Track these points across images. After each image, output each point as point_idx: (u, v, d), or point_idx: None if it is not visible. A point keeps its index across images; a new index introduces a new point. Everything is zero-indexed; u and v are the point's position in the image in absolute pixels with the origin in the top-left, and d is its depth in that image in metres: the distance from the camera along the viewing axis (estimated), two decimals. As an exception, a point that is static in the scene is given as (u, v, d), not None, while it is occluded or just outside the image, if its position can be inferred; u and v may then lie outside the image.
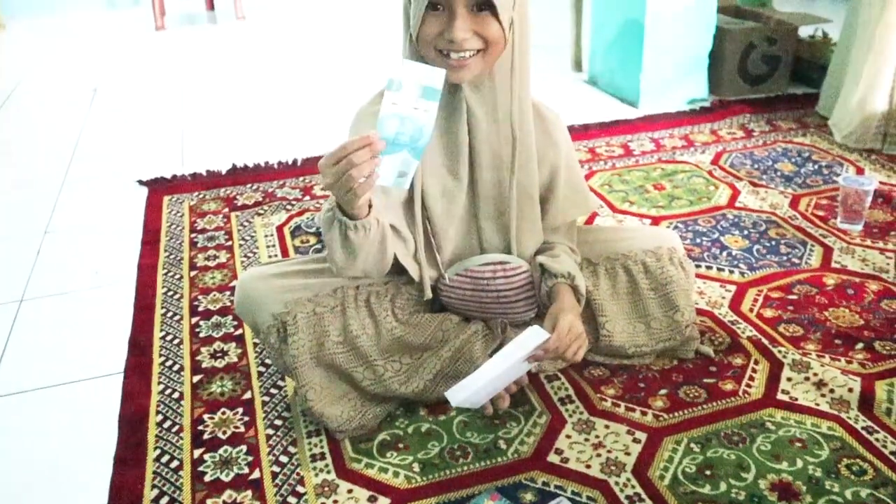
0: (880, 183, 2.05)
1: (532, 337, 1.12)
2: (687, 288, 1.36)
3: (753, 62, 2.78)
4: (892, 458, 1.16)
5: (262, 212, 2.03)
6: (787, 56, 2.81)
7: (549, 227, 1.31)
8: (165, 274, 1.75)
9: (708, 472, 1.14)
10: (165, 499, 1.13)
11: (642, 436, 1.21)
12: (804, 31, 2.94)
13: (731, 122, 2.55)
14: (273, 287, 1.24)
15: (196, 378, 1.39)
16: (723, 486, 1.12)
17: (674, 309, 1.33)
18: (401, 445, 1.21)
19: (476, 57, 1.10)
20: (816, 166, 2.20)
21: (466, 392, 1.10)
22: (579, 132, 2.47)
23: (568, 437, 1.22)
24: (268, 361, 1.41)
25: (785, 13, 2.99)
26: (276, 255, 1.80)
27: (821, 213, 1.92)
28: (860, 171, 2.15)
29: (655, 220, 1.91)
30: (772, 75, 2.82)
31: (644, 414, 1.26)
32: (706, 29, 2.70)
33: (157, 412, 1.31)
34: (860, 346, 1.42)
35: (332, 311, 1.23)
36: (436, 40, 1.08)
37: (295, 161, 2.33)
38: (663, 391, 1.31)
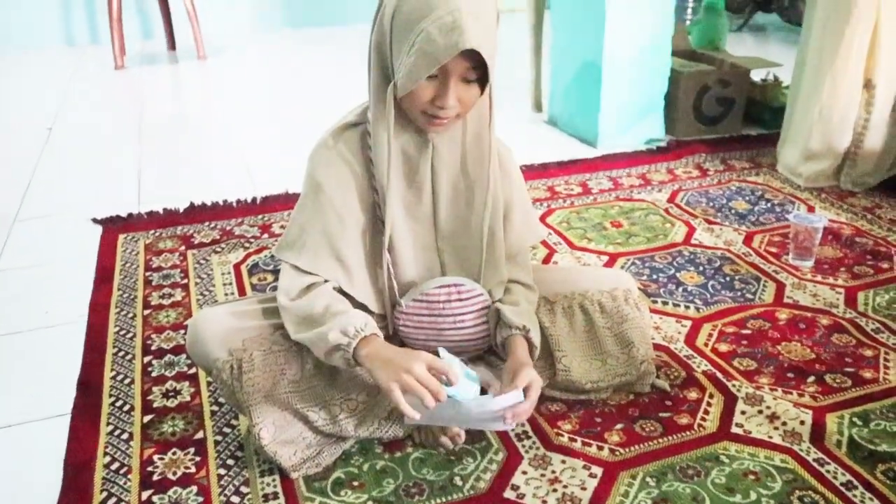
0: (830, 221, 2.10)
1: (510, 396, 1.12)
2: (642, 326, 1.37)
3: (708, 103, 2.85)
4: (842, 489, 1.17)
5: (219, 250, 2.01)
6: (740, 98, 2.89)
7: (507, 256, 1.32)
8: (118, 313, 1.72)
9: (663, 507, 1.14)
10: (111, 543, 1.10)
11: (598, 470, 1.21)
12: (756, 75, 3.03)
13: (686, 162, 2.60)
14: (229, 325, 1.22)
15: (147, 418, 1.36)
16: (678, 521, 1.12)
17: (629, 345, 1.34)
18: (355, 483, 1.19)
19: (453, 118, 1.14)
20: (769, 204, 2.25)
21: (428, 413, 1.09)
22: (539, 171, 2.50)
23: (524, 472, 1.21)
24: (221, 400, 1.38)
25: (737, 57, 3.08)
26: (233, 294, 1.78)
27: (773, 250, 1.96)
28: (811, 210, 2.21)
29: (613, 257, 1.94)
30: (726, 116, 2.89)
31: (600, 448, 1.26)
32: (661, 71, 2.76)
33: (105, 454, 1.28)
34: (811, 379, 1.44)
35: (290, 349, 1.22)
36: (425, 106, 1.12)
37: (254, 199, 2.32)
38: (619, 425, 1.31)
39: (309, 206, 1.22)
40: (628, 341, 1.34)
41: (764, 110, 2.96)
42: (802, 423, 1.32)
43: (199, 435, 1.31)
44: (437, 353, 1.16)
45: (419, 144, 1.20)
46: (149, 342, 1.59)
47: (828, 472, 1.21)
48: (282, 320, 1.23)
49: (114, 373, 1.50)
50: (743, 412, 1.35)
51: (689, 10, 4.75)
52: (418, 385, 1.05)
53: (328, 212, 1.20)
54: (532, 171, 2.49)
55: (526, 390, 1.15)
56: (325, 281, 1.21)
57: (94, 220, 2.21)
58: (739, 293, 1.75)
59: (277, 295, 1.22)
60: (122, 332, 1.64)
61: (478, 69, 1.09)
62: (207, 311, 1.27)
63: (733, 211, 2.21)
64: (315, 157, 1.23)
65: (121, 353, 1.56)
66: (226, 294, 1.78)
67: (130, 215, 2.24)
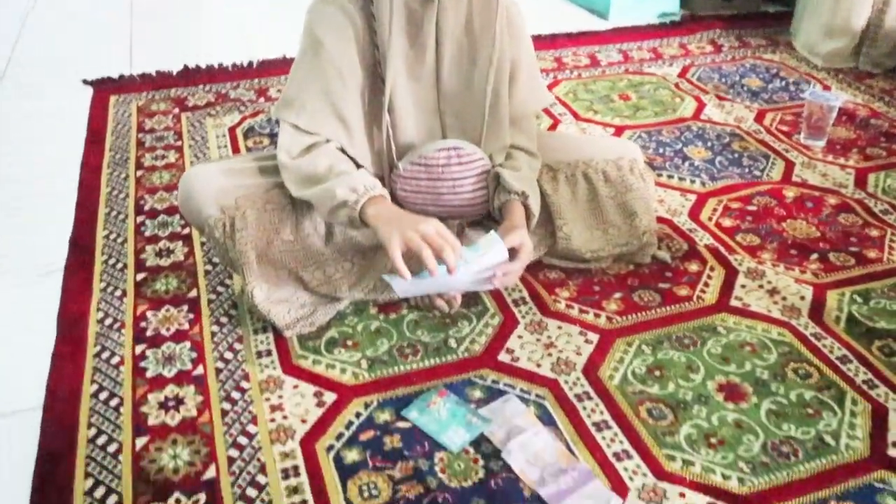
0: (846, 101, 2.02)
1: (494, 255, 1.09)
2: (646, 196, 1.33)
3: (726, -24, 2.71)
4: (837, 363, 1.17)
5: (213, 113, 1.95)
6: (760, -28, 2.74)
7: (511, 120, 1.26)
8: (110, 174, 1.68)
9: (657, 373, 1.14)
10: (105, 394, 1.10)
11: (594, 337, 1.20)
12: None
13: (701, 37, 2.49)
14: (222, 182, 1.19)
15: (140, 276, 1.35)
16: (671, 387, 1.12)
17: (632, 216, 1.31)
18: (349, 343, 1.19)
19: None
20: (784, 83, 2.17)
21: (410, 285, 1.07)
22: (546, 41, 2.40)
23: (519, 337, 1.20)
24: (215, 260, 1.37)
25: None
26: (227, 156, 1.74)
27: (785, 129, 1.90)
28: (826, 89, 2.13)
29: (619, 130, 1.88)
30: (744, -9, 2.76)
31: (597, 316, 1.25)
32: (680, -60, 2.61)
33: (98, 309, 1.27)
34: (815, 256, 1.42)
35: (284, 208, 1.19)
36: None
37: (251, 63, 2.23)
38: (618, 294, 1.30)
39: (308, 63, 1.16)
40: (631, 211, 1.31)
41: (785, -14, 2.82)
42: (802, 298, 1.30)
43: (193, 293, 1.30)
44: (443, 223, 1.14)
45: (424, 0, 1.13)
46: (142, 202, 1.56)
47: (824, 346, 1.20)
48: (277, 179, 1.20)
49: (106, 232, 1.47)
50: (743, 286, 1.33)
51: None
52: (423, 243, 1.02)
53: (328, 69, 1.14)
54: (540, 42, 2.38)
55: (516, 252, 1.12)
56: (327, 141, 1.17)
57: (85, 82, 2.13)
58: (747, 170, 1.71)
59: (277, 153, 1.18)
60: (115, 193, 1.60)
61: None
62: (200, 167, 1.23)
63: (746, 88, 2.13)
64: (315, 10, 1.16)
65: (113, 213, 1.53)
66: (220, 156, 1.73)
67: (122, 77, 2.16)
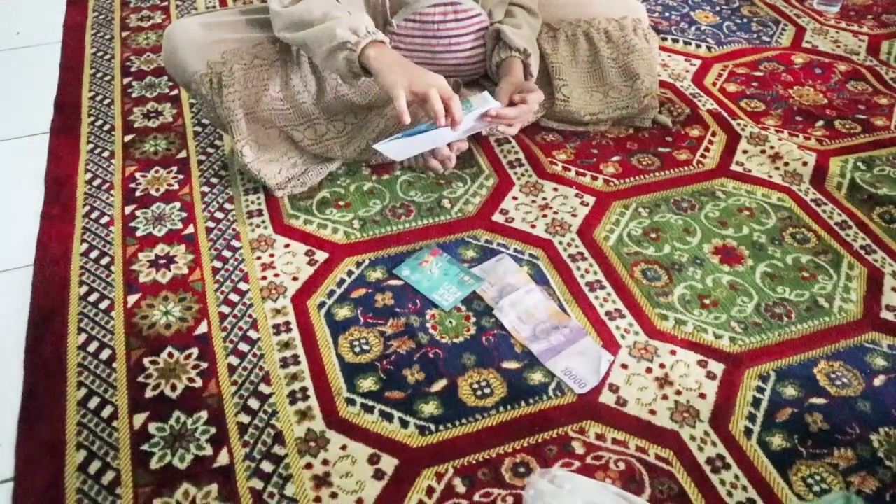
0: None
1: (483, 104, 1.04)
2: (649, 58, 1.28)
3: None
4: (836, 228, 1.15)
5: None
6: None
7: None
8: (94, 34, 1.61)
9: (653, 235, 1.13)
10: (95, 252, 1.09)
11: (590, 199, 1.19)
12: None
13: None
14: (208, 36, 1.13)
15: (128, 137, 1.31)
16: (666, 249, 1.11)
17: (634, 77, 1.26)
18: (341, 203, 1.17)
19: None
20: (799, -55, 2.05)
21: (402, 146, 1.04)
22: None
23: (514, 198, 1.18)
24: (205, 121, 1.33)
25: None
26: (214, 6, 1.66)
27: (798, -7, 1.82)
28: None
29: (624, -6, 1.79)
30: None
31: (594, 179, 1.23)
32: None
33: (87, 171, 1.25)
34: (820, 123, 1.38)
35: (273, 64, 1.14)
36: None
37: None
38: (616, 158, 1.27)
39: None
40: (633, 73, 1.26)
41: None
42: (805, 164, 1.27)
43: (182, 154, 1.27)
44: None
45: None
46: (128, 64, 1.51)
47: (824, 211, 1.18)
48: (265, 33, 1.14)
49: (92, 93, 1.43)
50: (745, 151, 1.30)
51: None
52: (434, 90, 0.97)
53: None
54: None
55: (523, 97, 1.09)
56: None
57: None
58: (755, 35, 1.64)
59: (270, 3, 1.11)
60: (100, 54, 1.55)
61: None
62: (184, 21, 1.17)
63: (760, -49, 2.02)
64: None
65: (99, 75, 1.48)
66: (206, 7, 1.66)
67: (104, -65, 2.05)
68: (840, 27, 1.69)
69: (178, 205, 1.17)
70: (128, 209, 1.17)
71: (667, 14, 1.71)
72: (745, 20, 1.70)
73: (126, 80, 1.46)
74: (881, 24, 1.70)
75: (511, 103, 1.09)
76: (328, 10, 1.06)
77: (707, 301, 1.03)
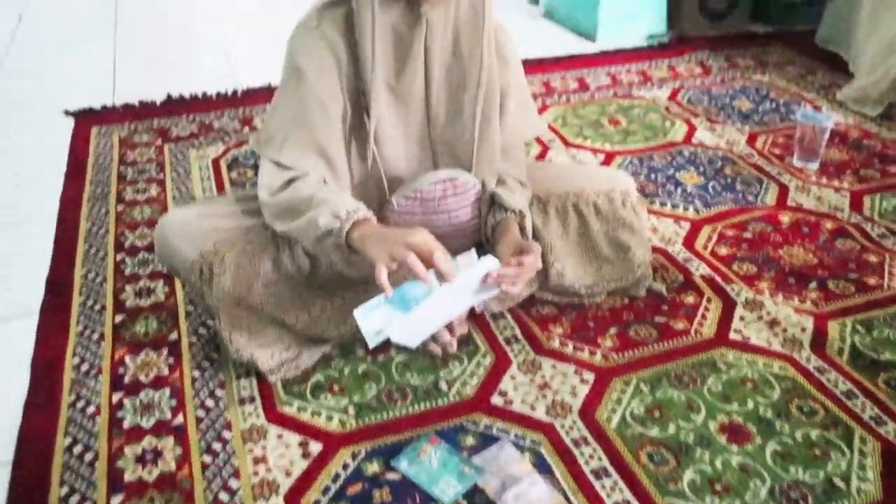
0: (837, 122, 2.00)
1: (482, 264, 1.03)
2: (639, 230, 1.30)
3: (714, -3, 2.70)
4: (842, 398, 1.13)
5: (197, 144, 1.90)
6: (747, -8, 2.73)
7: (501, 149, 1.22)
8: (91, 208, 1.63)
9: (657, 414, 1.10)
10: (79, 447, 1.05)
11: (590, 376, 1.16)
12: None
13: (689, 59, 2.48)
14: (199, 226, 1.14)
15: (119, 318, 1.30)
16: (671, 428, 1.07)
17: (626, 250, 1.27)
18: (336, 387, 1.14)
19: None
20: (774, 104, 2.14)
21: (406, 326, 1.01)
22: (534, 66, 2.37)
23: (513, 377, 1.16)
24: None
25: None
26: (210, 190, 1.69)
27: (777, 151, 1.87)
28: (817, 109, 2.10)
29: (610, 155, 1.85)
30: (731, 12, 2.75)
31: (592, 353, 1.21)
32: (666, -39, 2.60)
33: (75, 354, 1.22)
34: (814, 284, 1.38)
35: (265, 248, 1.14)
36: None
37: (235, 91, 2.20)
38: (613, 330, 1.26)
39: (290, 95, 1.11)
40: (625, 246, 1.27)
41: (771, 6, 2.80)
42: (803, 329, 1.27)
43: (174, 336, 1.25)
44: None
45: (411, 22, 1.09)
46: (122, 239, 1.52)
47: (828, 380, 1.16)
48: (257, 220, 1.16)
49: (85, 270, 1.43)
50: (742, 318, 1.29)
51: None
52: (408, 251, 0.96)
53: (310, 102, 1.10)
54: (528, 66, 2.31)
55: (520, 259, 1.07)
56: (309, 174, 1.12)
57: (67, 113, 2.09)
58: (741, 195, 1.68)
59: (258, 191, 1.13)
60: (95, 229, 1.56)
61: None
62: (176, 212, 1.19)
63: (736, 110, 2.10)
64: (296, 39, 1.11)
65: (92, 251, 1.48)
66: (203, 190, 1.69)
67: (105, 107, 2.12)
68: (822, 183, 1.73)
69: (167, 391, 1.14)
70: (115, 397, 1.13)
71: (652, 176, 1.75)
72: (729, 180, 1.74)
73: (119, 256, 1.46)
74: (860, 180, 1.75)
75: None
76: (314, 192, 1.07)
77: (718, 486, 0.99)
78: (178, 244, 1.13)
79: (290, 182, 1.10)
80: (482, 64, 1.11)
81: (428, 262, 0.97)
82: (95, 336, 1.26)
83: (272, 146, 1.11)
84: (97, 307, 1.33)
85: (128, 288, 1.37)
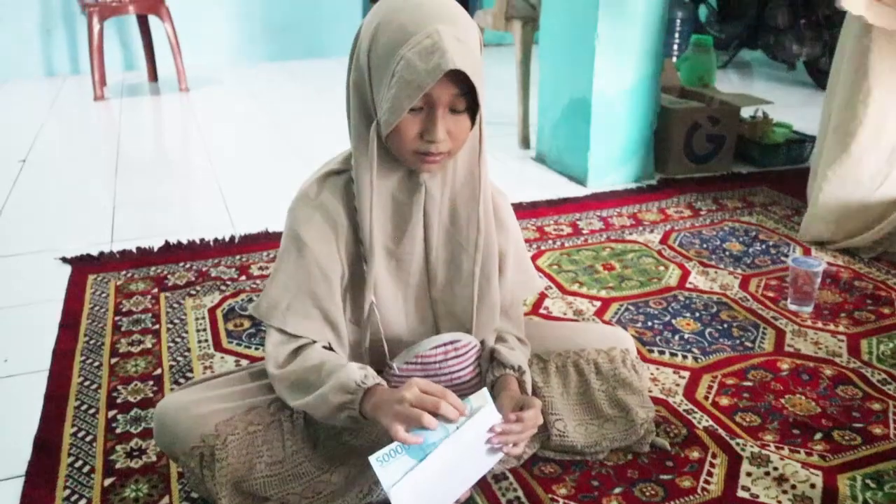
0: (827, 263, 2.03)
1: (487, 414, 1.03)
2: (640, 389, 1.30)
3: (698, 141, 2.80)
4: (861, 562, 1.09)
5: (194, 292, 1.91)
6: (730, 135, 2.84)
7: (500, 310, 1.23)
8: (83, 361, 1.61)
9: (669, 584, 1.05)
10: None
11: (597, 543, 1.12)
12: (746, 112, 3.00)
13: (678, 201, 2.54)
14: (200, 409, 1.12)
15: (108, 481, 1.26)
16: None
17: (627, 410, 1.26)
18: (333, 560, 1.09)
19: (446, 154, 1.06)
20: (764, 246, 2.19)
21: (415, 489, 0.98)
22: (528, 210, 2.43)
23: (517, 545, 1.12)
24: (194, 495, 1.26)
25: (727, 94, 3.04)
26: (206, 341, 1.68)
27: (771, 294, 1.89)
28: (807, 252, 2.14)
29: (606, 302, 1.86)
30: (716, 154, 2.85)
31: (598, 517, 1.17)
32: (651, 108, 2.72)
33: (60, 525, 1.17)
34: (819, 436, 1.36)
35: (268, 427, 1.13)
36: (414, 142, 1.04)
37: (232, 238, 2.23)
38: (618, 489, 1.22)
39: (292, 264, 1.12)
40: (625, 406, 1.26)
41: (753, 148, 2.92)
42: (813, 486, 1.23)
43: (165, 501, 1.21)
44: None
45: (410, 189, 1.12)
46: (114, 394, 1.49)
47: (843, 542, 1.12)
48: (258, 398, 1.15)
49: (74, 429, 1.39)
50: (749, 473, 1.26)
51: (676, 46, 4.74)
52: (412, 410, 0.97)
53: (313, 271, 1.11)
54: (521, 211, 2.41)
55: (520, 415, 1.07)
56: (314, 341, 1.13)
57: (63, 260, 2.11)
58: (738, 341, 1.68)
59: (266, 365, 1.14)
60: (87, 383, 1.53)
61: (465, 97, 1.02)
62: (174, 395, 1.18)
63: (728, 253, 2.14)
64: (296, 210, 1.14)
65: (83, 407, 1.46)
66: (199, 341, 1.68)
67: (102, 254, 2.14)
68: (817, 327, 1.73)
69: (156, 565, 1.09)
70: (101, 572, 1.08)
71: (649, 323, 1.75)
72: (725, 325, 1.74)
73: (111, 413, 1.43)
74: (855, 322, 1.76)
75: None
76: (322, 360, 1.07)
77: None
78: (178, 429, 1.11)
79: (296, 352, 1.10)
80: (479, 227, 1.13)
81: (433, 410, 0.98)
82: (82, 502, 1.21)
83: (276, 315, 1.12)
84: (85, 469, 1.29)
85: (118, 448, 1.33)
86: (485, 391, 1.06)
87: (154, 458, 1.30)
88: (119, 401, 1.47)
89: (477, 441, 1.04)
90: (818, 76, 4.36)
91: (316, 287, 1.11)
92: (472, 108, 1.04)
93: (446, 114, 1.02)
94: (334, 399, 1.02)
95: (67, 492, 1.24)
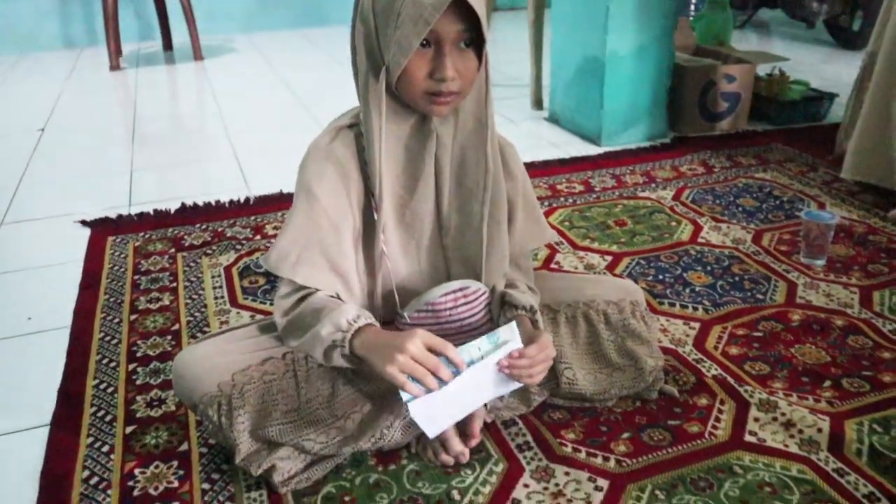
0: (841, 217, 2.02)
1: (506, 338, 1.07)
2: (649, 339, 1.31)
3: (712, 99, 2.78)
4: (864, 501, 1.10)
5: (210, 252, 1.94)
6: (745, 93, 2.82)
7: (510, 258, 1.25)
8: (104, 318, 1.65)
9: (674, 522, 1.07)
10: (86, 565, 1.03)
11: (604, 483, 1.14)
12: (762, 70, 2.96)
13: (691, 158, 2.53)
14: (217, 360, 1.15)
15: (129, 429, 1.30)
16: (690, 537, 1.05)
17: (636, 360, 1.28)
18: (347, 499, 1.13)
19: (457, 94, 1.07)
20: (778, 201, 2.18)
21: (429, 406, 1.03)
22: (540, 169, 2.43)
23: (526, 486, 1.14)
24: (211, 441, 1.29)
25: (743, 52, 3.01)
26: (222, 297, 1.71)
27: (784, 248, 1.89)
28: (821, 206, 2.13)
29: (617, 257, 1.87)
30: (731, 112, 2.82)
31: (606, 459, 1.19)
32: (665, 66, 2.69)
33: (84, 468, 1.21)
34: (828, 383, 1.37)
35: (283, 376, 1.16)
36: (424, 82, 1.05)
37: (247, 199, 2.26)
38: (626, 434, 1.24)
39: (303, 216, 1.14)
40: (634, 356, 1.28)
41: (770, 105, 2.89)
42: (820, 430, 1.25)
43: (184, 447, 1.25)
44: None
45: (421, 137, 1.13)
46: (134, 349, 1.53)
47: (848, 482, 1.14)
48: (273, 349, 1.18)
49: (96, 381, 1.43)
50: (756, 419, 1.28)
51: (693, 5, 4.68)
52: (415, 365, 1.00)
53: (323, 222, 1.13)
54: (534, 169, 2.42)
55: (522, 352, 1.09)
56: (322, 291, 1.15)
57: (83, 223, 2.14)
58: (749, 293, 1.68)
59: (274, 315, 1.17)
60: (108, 339, 1.57)
61: (470, 32, 1.03)
62: (192, 348, 1.21)
63: (741, 208, 2.14)
64: (308, 161, 1.16)
65: (105, 361, 1.49)
66: (215, 298, 1.71)
67: (120, 217, 2.17)
68: (829, 280, 1.74)
69: (176, 505, 1.13)
70: (124, 512, 1.12)
71: (660, 277, 1.76)
72: (737, 278, 1.75)
73: (131, 366, 1.47)
74: (868, 275, 1.75)
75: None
76: (321, 306, 1.10)
77: None
78: (195, 380, 1.14)
79: (302, 299, 1.12)
80: (487, 167, 1.15)
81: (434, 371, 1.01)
82: (105, 448, 1.25)
83: (286, 265, 1.14)
84: (108, 418, 1.33)
85: (139, 398, 1.37)
86: (513, 325, 1.09)
87: (173, 408, 1.34)
88: (139, 354, 1.51)
89: (493, 369, 1.07)
90: (838, 34, 4.29)
91: (326, 239, 1.12)
92: (479, 45, 1.05)
93: (453, 51, 1.04)
94: (325, 335, 1.04)
95: (91, 439, 1.28)
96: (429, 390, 1.02)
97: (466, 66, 1.06)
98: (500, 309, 1.22)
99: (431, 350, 1.02)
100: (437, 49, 1.03)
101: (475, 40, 1.05)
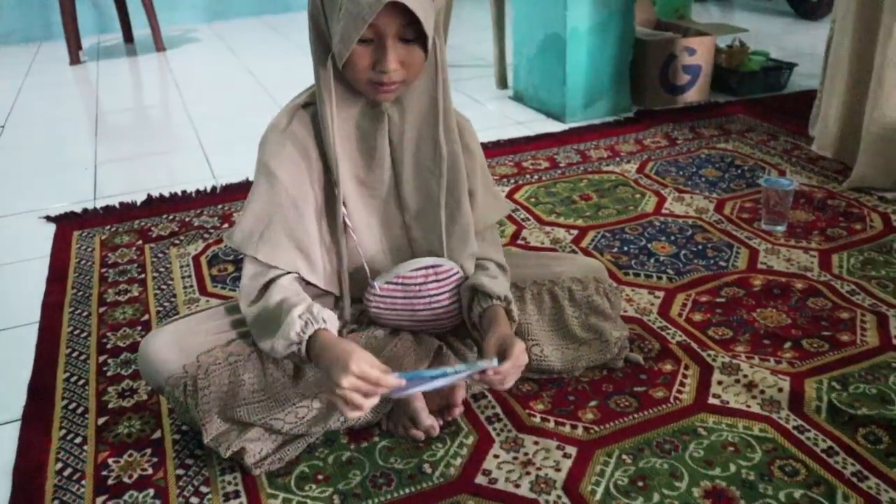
0: (801, 184, 2.06)
1: (484, 366, 1.07)
2: (613, 316, 1.34)
3: (674, 72, 2.81)
4: (823, 456, 1.14)
5: (177, 242, 1.94)
6: (706, 65, 2.85)
7: (476, 233, 1.26)
8: (72, 312, 1.64)
9: (640, 484, 1.10)
10: (62, 554, 1.04)
11: (573, 450, 1.17)
12: (722, 41, 3.00)
13: (654, 132, 2.56)
14: (182, 342, 1.17)
15: (101, 420, 1.30)
16: (656, 497, 1.08)
17: (600, 332, 1.30)
18: (320, 477, 1.14)
19: (400, 83, 1.09)
20: (739, 171, 2.21)
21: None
22: (506, 147, 2.45)
23: (496, 456, 1.16)
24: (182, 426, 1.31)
25: (703, 24, 3.04)
26: (191, 286, 1.72)
27: (745, 216, 1.92)
28: (782, 174, 2.17)
29: (583, 230, 1.89)
30: (693, 84, 2.86)
31: (574, 427, 1.22)
32: (626, 41, 2.71)
33: (57, 459, 1.22)
34: (788, 345, 1.41)
35: (248, 357, 1.17)
36: (367, 72, 1.06)
37: (214, 188, 2.25)
38: (593, 403, 1.27)
39: (264, 194, 1.16)
40: (598, 330, 1.30)
41: (731, 76, 2.92)
42: (780, 390, 1.28)
43: (157, 434, 1.25)
44: (416, 337, 1.17)
45: (373, 118, 1.15)
46: (104, 341, 1.53)
47: (808, 439, 1.17)
48: (237, 330, 1.20)
49: (67, 374, 1.43)
50: (720, 382, 1.31)
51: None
52: (355, 396, 0.98)
53: (283, 200, 1.14)
54: (499, 148, 2.44)
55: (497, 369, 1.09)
56: (286, 273, 1.16)
57: (48, 218, 2.13)
58: (712, 261, 1.72)
59: (239, 299, 1.17)
60: (77, 332, 1.57)
61: (414, 26, 1.03)
62: (158, 331, 1.21)
63: (703, 179, 2.17)
64: (267, 141, 1.17)
65: (74, 354, 1.49)
66: (184, 287, 1.71)
67: (86, 211, 2.16)
68: (790, 245, 1.77)
69: (151, 492, 1.13)
70: (98, 501, 1.13)
71: (625, 248, 1.79)
72: (700, 247, 1.78)
73: (101, 358, 1.47)
74: (827, 239, 1.79)
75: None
76: (284, 297, 1.12)
77: (705, 554, 0.99)
78: (162, 363, 1.15)
79: (265, 287, 1.14)
80: (441, 154, 1.16)
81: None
82: (78, 440, 1.26)
83: (249, 244, 1.15)
84: (79, 410, 1.33)
85: (110, 389, 1.37)
86: (495, 361, 1.08)
87: (145, 397, 1.35)
88: (109, 346, 1.51)
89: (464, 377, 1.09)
90: (798, 4, 4.34)
91: (287, 216, 1.14)
92: (424, 36, 1.06)
93: (396, 43, 1.04)
94: (283, 350, 1.08)
95: (63, 431, 1.28)
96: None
97: (411, 57, 1.06)
98: (474, 298, 1.22)
99: (365, 380, 0.99)
100: (378, 42, 1.04)
101: (420, 34, 1.05)
